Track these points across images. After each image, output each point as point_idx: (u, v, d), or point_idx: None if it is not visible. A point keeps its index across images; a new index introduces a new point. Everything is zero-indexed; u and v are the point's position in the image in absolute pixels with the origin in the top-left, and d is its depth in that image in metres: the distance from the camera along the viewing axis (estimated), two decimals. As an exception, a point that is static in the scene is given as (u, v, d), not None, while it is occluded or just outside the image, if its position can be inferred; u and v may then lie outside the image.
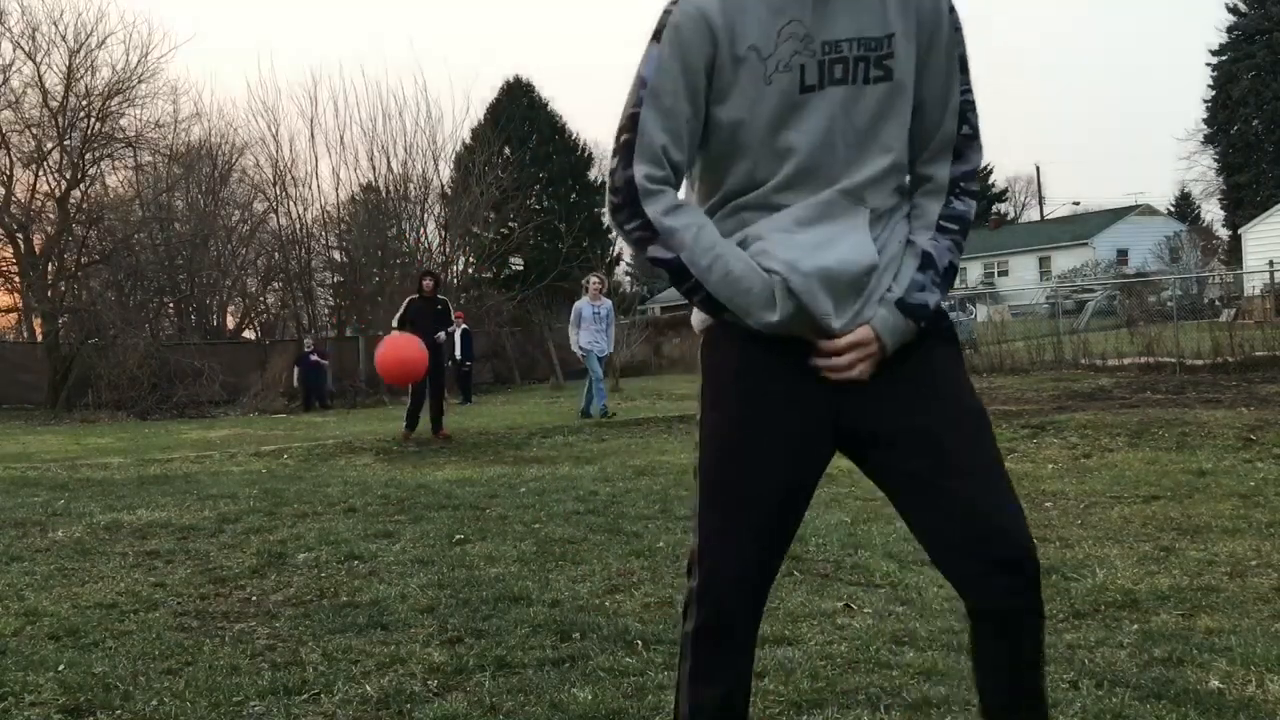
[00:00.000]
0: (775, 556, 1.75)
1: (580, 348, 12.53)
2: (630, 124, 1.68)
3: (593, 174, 40.05)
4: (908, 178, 1.78)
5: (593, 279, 13.14)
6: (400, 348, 9.90)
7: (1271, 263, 22.20)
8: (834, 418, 1.70)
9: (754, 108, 1.66)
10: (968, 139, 1.77)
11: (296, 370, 20.38)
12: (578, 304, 12.71)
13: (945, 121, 1.75)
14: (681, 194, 1.75)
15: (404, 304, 11.10)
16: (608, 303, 13.05)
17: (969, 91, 1.77)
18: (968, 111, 1.76)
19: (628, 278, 53.16)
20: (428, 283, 11.24)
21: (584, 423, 11.78)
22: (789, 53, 1.65)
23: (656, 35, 1.68)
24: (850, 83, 1.67)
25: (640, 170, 1.67)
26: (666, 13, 1.68)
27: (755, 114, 1.67)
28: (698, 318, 1.80)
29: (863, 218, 1.69)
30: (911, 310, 1.69)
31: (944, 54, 1.73)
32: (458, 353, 19.73)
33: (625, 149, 1.69)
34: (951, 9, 1.74)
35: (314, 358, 20.31)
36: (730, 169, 1.71)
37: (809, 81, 1.66)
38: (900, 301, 1.69)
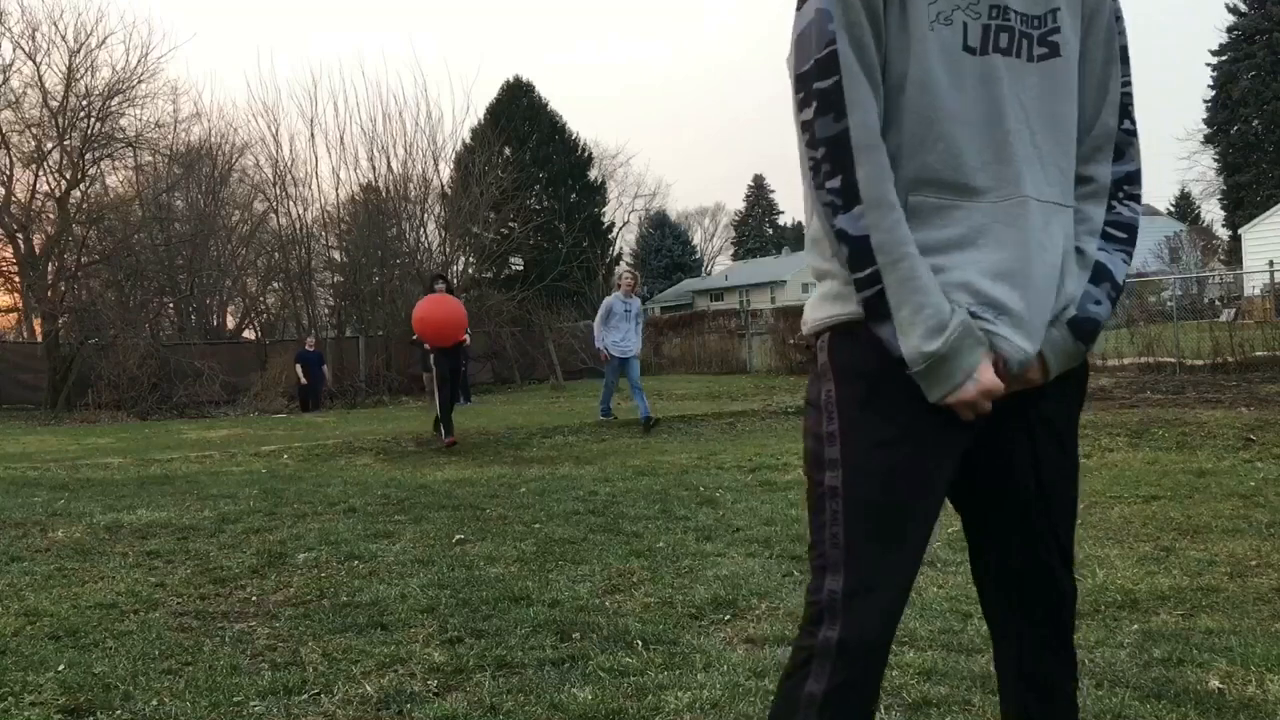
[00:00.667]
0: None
1: (606, 349, 11.32)
2: (831, 64, 1.42)
3: (593, 174, 40.06)
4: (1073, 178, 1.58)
5: (625, 273, 12.19)
6: (441, 304, 10.01)
7: (1271, 263, 22.19)
8: (970, 442, 1.52)
9: (918, 57, 1.45)
10: (1129, 135, 1.58)
11: (299, 367, 20.22)
12: (608, 300, 11.55)
13: (1105, 114, 1.55)
14: None
15: None
16: (638, 299, 11.85)
17: (1129, 85, 1.58)
18: (1129, 105, 1.58)
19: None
20: (439, 286, 10.80)
21: (584, 423, 11.77)
22: (950, 6, 1.46)
23: None
24: (1015, 56, 1.48)
25: (857, 118, 1.42)
26: None
27: (919, 65, 1.45)
28: (825, 310, 1.53)
29: (1055, 219, 1.49)
30: (1083, 329, 1.50)
31: (1103, 39, 1.55)
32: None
33: (831, 96, 1.42)
34: None
35: (323, 367, 20.23)
36: (897, 132, 1.47)
37: (970, 42, 1.46)
38: (1074, 320, 1.49)
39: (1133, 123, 1.58)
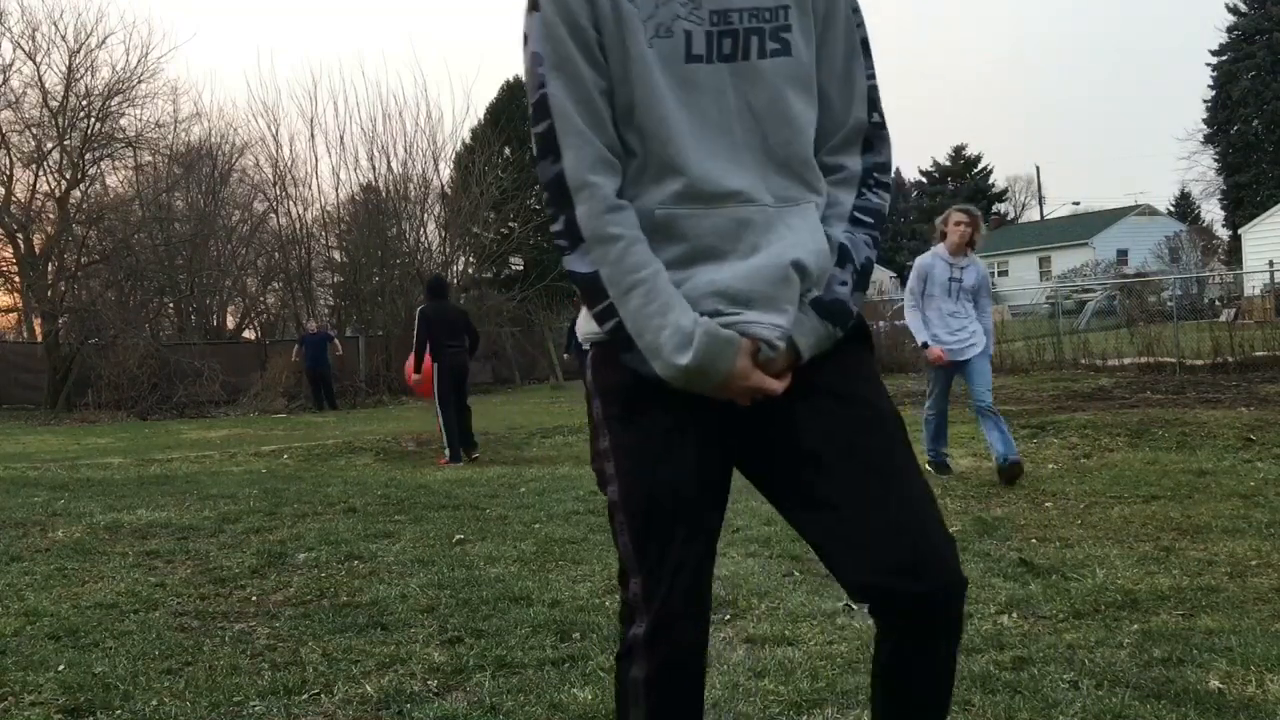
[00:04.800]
0: (710, 572, 1.58)
1: (929, 342, 6.58)
2: (542, 109, 1.45)
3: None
4: (818, 169, 1.57)
5: (954, 213, 6.70)
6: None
7: (1271, 263, 22.21)
8: (731, 427, 1.53)
9: (640, 77, 1.44)
10: (878, 128, 1.58)
11: (297, 349, 19.83)
12: (922, 260, 6.72)
13: (854, 108, 1.56)
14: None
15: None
16: (978, 264, 6.79)
17: (874, 77, 1.58)
18: (876, 98, 1.58)
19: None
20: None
21: (584, 423, 11.68)
22: (670, 16, 1.45)
23: (532, 5, 1.47)
24: (740, 58, 1.46)
25: (569, 158, 1.43)
26: None
27: (642, 85, 1.44)
28: (587, 328, 1.55)
29: (794, 215, 1.49)
30: (831, 311, 1.51)
31: (842, 34, 1.55)
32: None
33: (546, 139, 1.45)
34: None
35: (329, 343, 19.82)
36: (638, 155, 1.47)
37: (695, 51, 1.45)
38: (818, 301, 1.50)
39: (881, 115, 1.58)
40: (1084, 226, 45.80)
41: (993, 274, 45.85)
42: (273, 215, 26.00)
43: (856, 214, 1.55)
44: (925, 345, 6.63)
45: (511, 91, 38.03)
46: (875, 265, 1.58)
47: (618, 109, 1.46)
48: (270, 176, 25.52)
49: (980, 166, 57.99)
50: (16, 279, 22.67)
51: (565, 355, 19.73)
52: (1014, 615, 3.45)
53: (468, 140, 29.48)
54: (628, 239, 1.42)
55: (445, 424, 9.25)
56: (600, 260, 1.43)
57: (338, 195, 26.68)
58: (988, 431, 6.41)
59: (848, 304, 1.52)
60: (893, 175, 1.65)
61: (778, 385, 1.46)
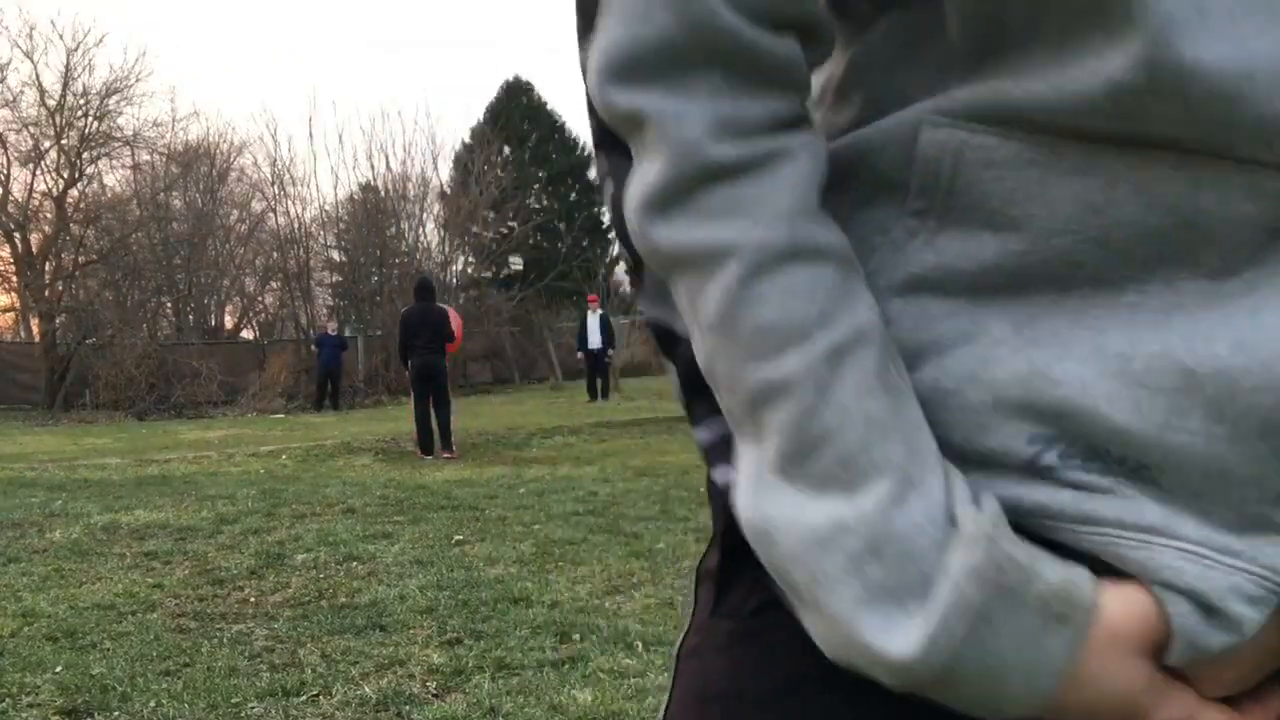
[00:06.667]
0: None
1: None
2: None
3: (593, 173, 40.06)
4: None
5: None
6: None
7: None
8: None
9: None
10: None
11: (318, 352, 19.78)
12: None
13: None
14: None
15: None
16: None
17: None
18: None
19: (629, 275, 53.23)
20: None
21: (584, 423, 11.75)
22: None
23: None
24: None
25: (609, 46, 0.42)
26: None
27: None
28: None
29: None
30: None
31: None
32: (597, 341, 17.67)
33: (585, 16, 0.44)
34: None
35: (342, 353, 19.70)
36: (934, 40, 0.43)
37: None
38: None
39: None
40: (1082, 226, 45.94)
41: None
42: (271, 214, 26.00)
43: None
44: None
45: (510, 91, 38.06)
46: None
47: None
48: (268, 176, 25.51)
49: None
50: (14, 278, 22.66)
51: (579, 354, 18.82)
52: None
53: (467, 139, 29.54)
54: (836, 257, 0.41)
55: (415, 418, 10.07)
56: (693, 305, 0.43)
57: (336, 195, 26.87)
58: None
59: None
60: None
61: None
